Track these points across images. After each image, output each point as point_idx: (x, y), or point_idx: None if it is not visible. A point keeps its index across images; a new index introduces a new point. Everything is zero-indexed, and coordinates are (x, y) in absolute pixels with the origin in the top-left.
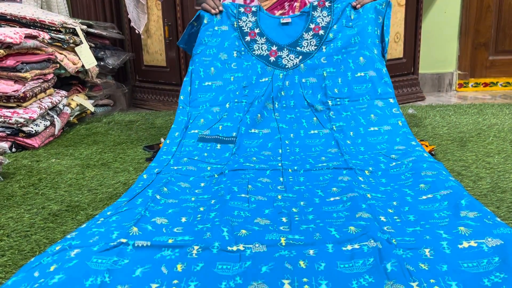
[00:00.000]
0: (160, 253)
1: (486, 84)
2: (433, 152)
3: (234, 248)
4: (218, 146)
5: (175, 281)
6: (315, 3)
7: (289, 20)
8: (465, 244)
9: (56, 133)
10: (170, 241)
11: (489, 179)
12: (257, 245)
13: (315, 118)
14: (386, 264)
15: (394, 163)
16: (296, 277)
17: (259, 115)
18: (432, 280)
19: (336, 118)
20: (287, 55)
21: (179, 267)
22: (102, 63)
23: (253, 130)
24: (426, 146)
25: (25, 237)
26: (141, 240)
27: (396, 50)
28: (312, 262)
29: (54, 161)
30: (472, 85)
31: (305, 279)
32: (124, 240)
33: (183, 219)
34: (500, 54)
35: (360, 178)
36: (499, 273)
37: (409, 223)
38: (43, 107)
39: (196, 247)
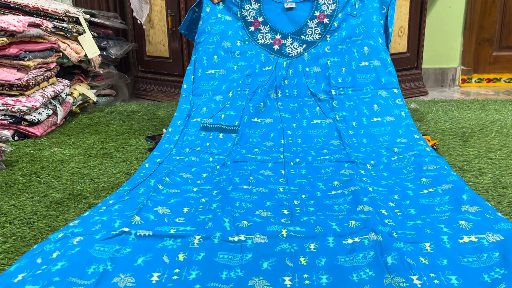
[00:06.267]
0: (162, 242)
1: (489, 80)
2: (435, 147)
3: (235, 239)
4: (221, 135)
5: (177, 270)
6: None
7: (293, 5)
8: (466, 239)
9: (58, 122)
10: (172, 231)
11: (491, 174)
12: (258, 235)
13: (318, 108)
14: (386, 258)
15: (396, 157)
16: (296, 273)
17: (262, 104)
18: (432, 274)
19: (339, 108)
20: (291, 44)
21: (181, 257)
22: (105, 53)
23: (255, 119)
24: (429, 140)
25: (27, 224)
26: (143, 230)
27: (399, 44)
28: (312, 257)
29: (57, 149)
30: (475, 81)
31: (305, 275)
32: (126, 229)
33: (185, 210)
34: (504, 50)
35: (362, 172)
36: (499, 268)
37: (410, 216)
38: (46, 96)
39: (197, 237)
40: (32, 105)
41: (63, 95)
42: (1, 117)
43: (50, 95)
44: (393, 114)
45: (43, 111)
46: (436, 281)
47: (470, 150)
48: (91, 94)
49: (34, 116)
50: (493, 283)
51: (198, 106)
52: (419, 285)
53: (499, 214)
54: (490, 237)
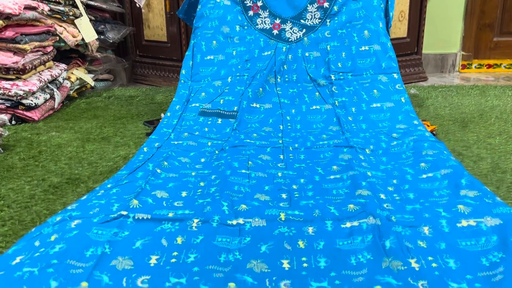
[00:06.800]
0: (160, 226)
1: (489, 66)
2: (434, 132)
3: (234, 222)
4: (219, 120)
5: (175, 253)
6: None
7: None
8: (464, 223)
9: (56, 106)
10: (170, 214)
11: (490, 159)
12: (256, 219)
13: (317, 93)
14: (385, 241)
15: (395, 142)
16: (295, 256)
17: (261, 89)
18: (430, 258)
19: (338, 93)
20: (291, 28)
21: (179, 240)
22: (102, 36)
23: (254, 105)
24: (428, 126)
25: (25, 208)
26: (141, 213)
27: (400, 29)
28: (311, 241)
29: (54, 134)
30: (475, 67)
31: (304, 258)
32: (124, 213)
33: (184, 194)
34: (505, 35)
35: (361, 157)
36: (497, 252)
37: (409, 201)
38: (43, 80)
39: (196, 221)
40: (29, 89)
41: (60, 79)
42: None
43: (47, 79)
44: (392, 100)
45: (40, 95)
46: (434, 265)
47: (469, 136)
48: (88, 78)
49: (31, 100)
50: (491, 267)
51: (196, 91)
52: (417, 269)
53: (498, 198)
54: (489, 221)
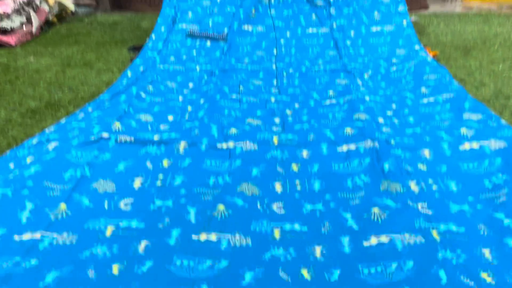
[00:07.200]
0: (144, 148)
1: None
2: (436, 58)
3: (224, 146)
4: (208, 43)
5: (161, 176)
6: None
7: None
8: (467, 146)
9: (34, 31)
10: (155, 137)
11: (493, 85)
12: (247, 143)
13: (313, 15)
14: (383, 164)
15: (395, 67)
16: (288, 179)
17: (253, 9)
18: (430, 180)
19: (336, 15)
20: None
21: (165, 163)
22: None
23: (246, 27)
24: (429, 51)
25: (1, 132)
26: (124, 135)
27: None
28: (305, 164)
29: (32, 58)
30: None
31: (297, 181)
32: (106, 135)
33: (170, 117)
34: None
35: (359, 81)
36: (501, 174)
37: (409, 124)
38: (17, 1)
39: (183, 144)
40: (3, 11)
41: (37, 1)
42: None
43: (23, 0)
44: (393, 23)
45: (15, 18)
46: (434, 187)
47: (472, 62)
48: (68, 2)
49: (6, 23)
50: (494, 189)
51: (183, 11)
52: (416, 191)
53: (503, 121)
54: (493, 143)
